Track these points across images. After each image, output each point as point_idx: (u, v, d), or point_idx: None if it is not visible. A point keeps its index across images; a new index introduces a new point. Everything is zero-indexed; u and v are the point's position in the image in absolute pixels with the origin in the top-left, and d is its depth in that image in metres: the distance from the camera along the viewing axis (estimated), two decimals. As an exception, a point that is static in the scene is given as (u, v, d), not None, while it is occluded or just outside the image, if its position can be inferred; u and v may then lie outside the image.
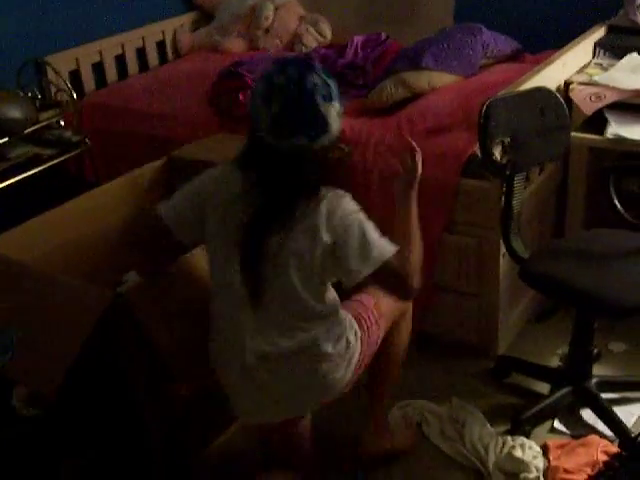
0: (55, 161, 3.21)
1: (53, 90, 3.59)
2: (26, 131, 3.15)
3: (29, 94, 3.40)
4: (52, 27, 3.73)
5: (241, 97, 3.24)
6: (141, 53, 4.19)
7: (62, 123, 3.43)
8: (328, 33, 4.06)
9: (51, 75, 3.56)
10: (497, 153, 2.50)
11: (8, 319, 2.27)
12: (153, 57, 4.26)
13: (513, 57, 3.56)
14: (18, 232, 2.61)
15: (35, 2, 3.65)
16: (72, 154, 3.30)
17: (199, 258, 2.27)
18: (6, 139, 3.06)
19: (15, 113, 3.07)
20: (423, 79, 3.11)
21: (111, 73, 4.04)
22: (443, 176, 2.75)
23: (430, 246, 2.76)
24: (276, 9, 4.15)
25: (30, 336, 2.20)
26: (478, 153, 2.66)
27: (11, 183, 3.07)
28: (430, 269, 2.82)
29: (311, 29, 4.04)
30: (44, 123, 3.27)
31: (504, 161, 2.49)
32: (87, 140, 3.36)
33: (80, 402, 2.31)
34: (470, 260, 2.81)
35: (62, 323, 2.16)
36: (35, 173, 3.15)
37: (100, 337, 2.07)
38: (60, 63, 3.68)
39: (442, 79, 3.14)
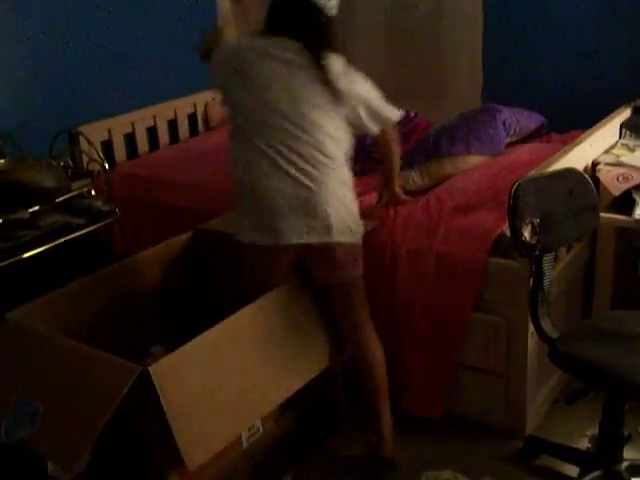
0: (85, 230, 3.23)
1: (85, 160, 3.65)
2: (57, 200, 3.18)
3: (62, 163, 3.47)
4: (86, 98, 3.84)
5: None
6: (172, 125, 4.27)
7: (93, 192, 3.47)
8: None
9: (84, 145, 3.63)
10: (526, 233, 2.49)
11: (33, 390, 2.26)
12: (184, 129, 4.34)
13: (539, 132, 3.60)
14: (46, 300, 2.64)
15: (70, 73, 3.75)
16: (102, 224, 3.32)
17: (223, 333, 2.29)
18: (37, 207, 3.08)
19: (48, 182, 3.11)
20: (448, 166, 3.15)
21: (142, 144, 4.12)
22: (471, 255, 2.75)
23: (458, 324, 2.77)
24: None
25: (55, 408, 2.19)
26: (507, 232, 2.68)
27: (41, 251, 3.08)
28: (457, 347, 2.81)
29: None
30: (75, 192, 3.31)
31: (533, 241, 2.48)
32: (117, 210, 3.39)
33: (108, 470, 2.29)
34: (498, 339, 2.78)
35: (88, 396, 2.15)
36: (64, 242, 3.17)
37: (123, 410, 2.06)
38: (93, 133, 3.76)
39: (468, 161, 3.18)
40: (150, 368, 2.09)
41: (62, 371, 2.27)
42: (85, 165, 3.64)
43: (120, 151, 4.00)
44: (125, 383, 2.07)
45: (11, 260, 3.00)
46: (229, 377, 2.32)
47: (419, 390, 2.91)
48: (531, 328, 2.66)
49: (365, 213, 2.63)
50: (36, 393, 2.25)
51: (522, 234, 2.50)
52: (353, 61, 4.02)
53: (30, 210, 3.09)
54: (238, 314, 2.40)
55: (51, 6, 3.68)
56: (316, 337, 2.65)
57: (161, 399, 2.08)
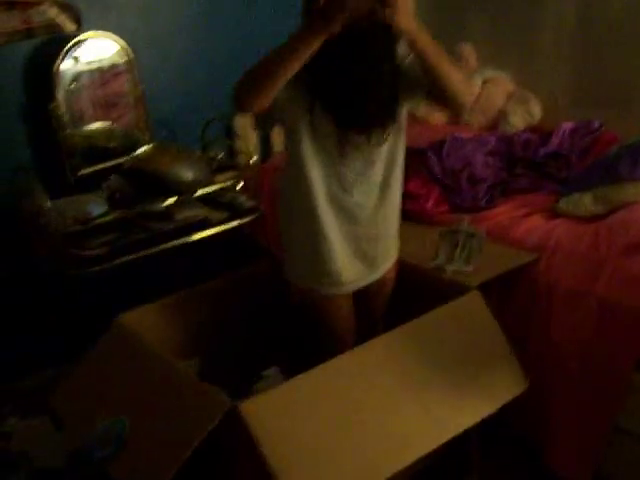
0: (223, 227, 3.07)
1: (240, 150, 3.49)
2: (198, 193, 3.03)
3: (213, 153, 3.32)
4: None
5: (409, 188, 2.94)
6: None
7: (240, 185, 3.30)
8: (537, 113, 3.68)
9: (239, 135, 3.46)
10: None
11: (124, 406, 2.12)
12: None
13: None
14: (161, 305, 2.53)
15: (231, 59, 3.59)
16: (243, 221, 3.14)
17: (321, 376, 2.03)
18: (172, 200, 2.94)
19: (187, 174, 2.96)
20: (629, 193, 2.69)
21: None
22: (639, 302, 2.32)
23: (618, 382, 2.37)
24: (484, 82, 3.83)
25: (141, 431, 2.04)
26: None
27: (174, 245, 2.95)
28: (615, 408, 2.41)
29: (519, 107, 3.69)
30: (218, 186, 3.14)
31: None
32: (261, 206, 3.20)
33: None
34: (664, 406, 2.36)
35: (176, 424, 1.97)
36: (203, 236, 3.03)
37: (211, 443, 1.87)
38: (249, 122, 3.58)
39: (651, 190, 2.71)
40: (243, 405, 1.88)
41: (155, 391, 2.12)
42: (236, 156, 3.46)
43: (279, 142, 3.80)
44: (213, 417, 1.87)
45: (143, 253, 2.88)
46: (351, 422, 2.02)
47: (568, 449, 2.53)
48: None
49: None
50: (126, 410, 2.11)
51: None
52: (537, 54, 3.72)
53: (166, 203, 2.95)
54: (371, 342, 2.16)
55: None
56: (475, 369, 2.31)
57: (255, 439, 1.86)
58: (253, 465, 1.89)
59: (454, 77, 1.98)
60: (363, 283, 2.31)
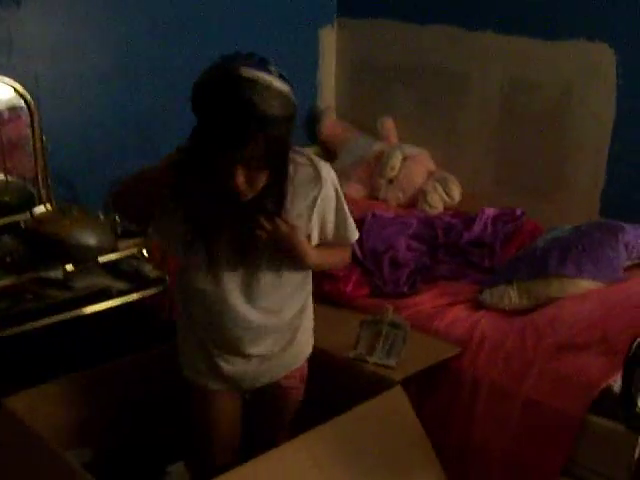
0: (124, 299, 2.83)
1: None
2: (100, 260, 2.80)
3: (115, 217, 3.10)
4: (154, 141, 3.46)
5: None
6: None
7: (145, 253, 3.07)
8: (457, 195, 3.61)
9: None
10: (643, 404, 1.97)
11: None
12: (263, 189, 3.91)
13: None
14: (55, 387, 2.29)
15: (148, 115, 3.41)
16: (146, 292, 2.91)
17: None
18: (71, 266, 2.71)
19: (89, 239, 2.72)
20: (553, 288, 2.63)
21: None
22: (567, 407, 2.23)
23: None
24: (404, 159, 3.75)
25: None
26: (614, 388, 2.19)
27: (72, 317, 2.70)
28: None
29: (439, 187, 3.61)
30: (122, 253, 2.91)
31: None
32: (167, 277, 2.98)
33: None
34: (588, 515, 2.24)
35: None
36: (101, 309, 2.78)
37: None
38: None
39: (578, 286, 2.63)
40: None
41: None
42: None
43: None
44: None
45: (36, 324, 2.62)
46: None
47: None
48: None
49: None
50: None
51: (637, 403, 1.98)
52: (459, 135, 3.68)
53: (66, 269, 2.71)
54: (290, 443, 1.97)
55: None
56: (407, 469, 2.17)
57: None
58: None
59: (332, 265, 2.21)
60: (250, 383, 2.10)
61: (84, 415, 2.30)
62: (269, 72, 1.64)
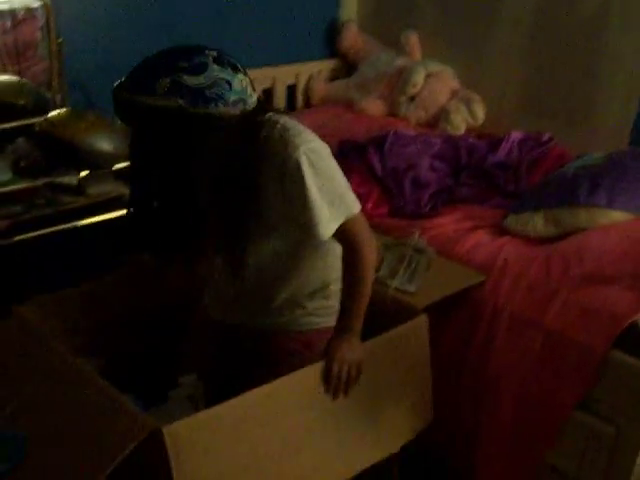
0: (139, 208, 2.76)
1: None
2: (115, 167, 2.72)
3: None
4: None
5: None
6: (268, 95, 3.75)
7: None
8: (481, 116, 3.51)
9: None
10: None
11: (23, 416, 1.82)
12: (280, 101, 3.81)
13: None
14: (68, 295, 2.20)
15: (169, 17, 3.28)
16: (161, 202, 2.84)
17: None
18: (86, 173, 2.63)
19: (105, 145, 2.64)
20: (582, 218, 2.54)
21: (230, 111, 3.61)
22: (590, 340, 2.18)
23: (554, 419, 2.24)
24: (427, 76, 3.63)
25: (43, 447, 1.75)
26: None
27: (85, 224, 2.64)
28: (547, 445, 2.28)
29: (462, 107, 3.51)
30: (137, 161, 2.83)
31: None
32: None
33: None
34: (600, 450, 2.22)
35: (86, 443, 1.70)
36: (114, 217, 2.72)
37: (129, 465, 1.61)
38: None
39: (608, 217, 2.55)
40: (165, 429, 1.61)
41: (63, 402, 1.82)
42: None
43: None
44: (131, 439, 1.60)
45: (51, 229, 2.56)
46: (274, 454, 1.83)
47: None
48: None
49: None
50: (25, 421, 1.81)
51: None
52: (487, 54, 3.55)
53: (80, 175, 2.63)
54: (297, 373, 1.88)
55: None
56: (394, 403, 2.11)
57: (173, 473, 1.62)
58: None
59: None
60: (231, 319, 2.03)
61: (96, 323, 2.25)
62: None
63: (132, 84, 1.63)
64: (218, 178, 1.69)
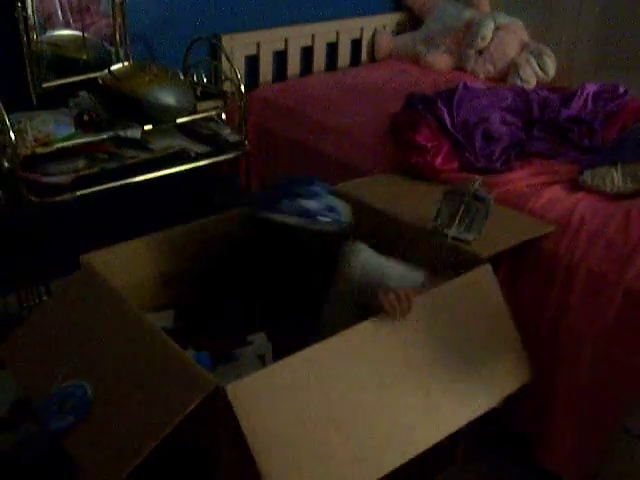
0: (201, 162, 2.73)
1: (224, 76, 3.12)
2: (178, 121, 2.68)
3: (194, 77, 2.97)
4: (236, 2, 3.27)
5: (417, 139, 2.64)
6: (332, 49, 3.67)
7: (224, 117, 2.95)
8: (551, 70, 3.39)
9: (224, 60, 3.09)
10: None
11: (87, 369, 1.81)
12: (344, 56, 3.73)
13: None
14: (136, 245, 2.19)
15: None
16: (224, 157, 2.81)
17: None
18: (149, 127, 2.60)
19: (168, 99, 2.60)
20: (663, 173, 2.42)
21: (293, 66, 3.55)
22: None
23: (634, 380, 2.15)
24: (496, 29, 3.51)
25: (107, 401, 1.73)
26: None
27: (149, 179, 2.61)
28: (622, 413, 2.20)
29: (533, 61, 3.39)
30: (200, 115, 2.80)
31: None
32: (246, 142, 2.86)
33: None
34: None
35: (149, 399, 1.67)
36: (176, 171, 2.69)
37: (192, 424, 1.60)
38: (238, 46, 3.24)
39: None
40: (229, 387, 1.58)
41: (126, 354, 1.80)
42: (222, 83, 3.10)
43: (266, 71, 3.45)
44: (195, 397, 1.58)
45: (112, 184, 2.54)
46: (350, 407, 1.76)
47: (565, 446, 2.30)
48: None
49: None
50: (90, 375, 1.79)
51: None
52: (557, 5, 3.41)
53: (144, 129, 2.60)
54: (368, 322, 1.84)
55: None
56: (485, 353, 2.05)
57: (241, 424, 1.58)
58: (235, 449, 1.63)
59: None
60: None
61: (163, 275, 2.23)
62: None
63: None
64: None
